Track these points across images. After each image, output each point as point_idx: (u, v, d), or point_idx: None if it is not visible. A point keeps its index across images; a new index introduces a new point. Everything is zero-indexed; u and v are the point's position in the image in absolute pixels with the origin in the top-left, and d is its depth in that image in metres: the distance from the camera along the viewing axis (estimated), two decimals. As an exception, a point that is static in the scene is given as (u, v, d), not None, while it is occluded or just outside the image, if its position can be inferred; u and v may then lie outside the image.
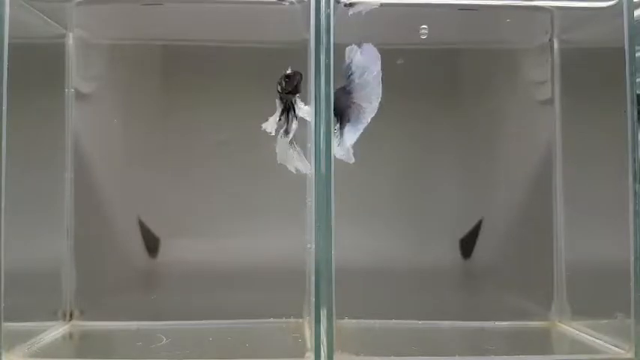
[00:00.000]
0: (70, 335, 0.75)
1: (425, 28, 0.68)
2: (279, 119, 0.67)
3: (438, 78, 0.82)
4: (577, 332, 0.75)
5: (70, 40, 0.78)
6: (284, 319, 0.77)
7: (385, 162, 0.80)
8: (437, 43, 0.81)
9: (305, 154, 0.67)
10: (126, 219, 0.79)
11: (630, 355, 0.64)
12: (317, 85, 0.64)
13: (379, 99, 0.66)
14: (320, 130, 0.63)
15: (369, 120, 0.67)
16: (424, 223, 0.81)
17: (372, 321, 0.77)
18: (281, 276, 0.75)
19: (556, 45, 0.81)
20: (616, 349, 0.67)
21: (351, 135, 0.66)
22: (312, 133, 0.64)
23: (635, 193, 0.64)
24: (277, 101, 0.69)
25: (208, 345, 0.70)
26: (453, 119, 0.82)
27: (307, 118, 0.66)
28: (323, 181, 0.63)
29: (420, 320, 0.77)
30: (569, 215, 0.79)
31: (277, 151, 0.69)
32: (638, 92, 0.64)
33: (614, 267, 0.66)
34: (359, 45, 0.67)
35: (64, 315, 0.77)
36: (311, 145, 0.65)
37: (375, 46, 0.65)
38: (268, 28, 0.77)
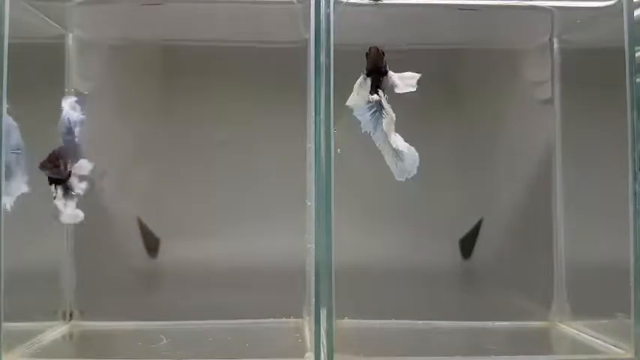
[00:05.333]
0: (70, 335, 0.75)
1: None
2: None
3: (438, 78, 0.82)
4: (577, 332, 0.75)
5: (70, 40, 0.78)
6: (284, 319, 0.77)
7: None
8: (437, 43, 0.81)
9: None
10: (126, 219, 0.79)
11: (630, 355, 0.64)
12: (317, 85, 0.64)
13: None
14: (320, 130, 0.63)
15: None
16: (424, 223, 0.81)
17: (372, 321, 0.77)
18: (281, 276, 0.75)
19: (556, 45, 0.81)
20: (616, 349, 0.67)
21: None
22: (312, 133, 0.64)
23: (635, 193, 0.64)
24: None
25: (208, 345, 0.70)
26: (453, 119, 0.82)
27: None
28: (323, 180, 0.63)
29: (420, 320, 0.77)
30: (569, 215, 0.79)
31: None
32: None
33: (614, 267, 0.66)
34: None
35: (64, 315, 0.77)
36: (311, 145, 0.65)
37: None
38: (268, 28, 0.77)
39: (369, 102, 0.63)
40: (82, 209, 0.78)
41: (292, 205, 0.72)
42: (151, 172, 0.80)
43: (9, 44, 0.62)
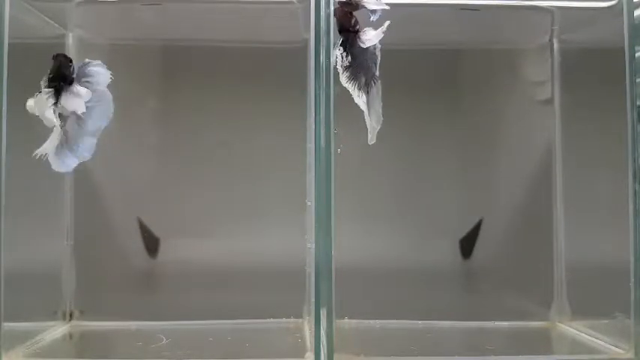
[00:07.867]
0: (70, 335, 0.75)
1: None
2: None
3: (438, 78, 0.82)
4: (577, 332, 0.75)
5: (70, 40, 0.78)
6: (284, 319, 0.77)
7: (385, 162, 0.80)
8: (437, 43, 0.81)
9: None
10: (126, 219, 0.79)
11: (630, 355, 0.64)
12: (317, 85, 0.64)
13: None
14: (320, 130, 0.63)
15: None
16: (424, 223, 0.81)
17: (372, 321, 0.77)
18: (281, 276, 0.75)
19: (556, 45, 0.81)
20: (616, 349, 0.67)
21: None
22: (312, 133, 0.64)
23: (635, 193, 0.64)
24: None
25: (208, 345, 0.70)
26: (453, 119, 0.82)
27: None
28: (323, 180, 0.63)
29: (420, 320, 0.78)
30: (569, 215, 0.79)
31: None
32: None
33: (614, 267, 0.66)
34: None
35: (64, 315, 0.77)
36: (311, 145, 0.65)
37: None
38: (268, 28, 0.77)
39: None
40: (82, 208, 0.78)
41: (292, 205, 0.72)
42: (151, 171, 0.80)
43: (9, 44, 0.62)
